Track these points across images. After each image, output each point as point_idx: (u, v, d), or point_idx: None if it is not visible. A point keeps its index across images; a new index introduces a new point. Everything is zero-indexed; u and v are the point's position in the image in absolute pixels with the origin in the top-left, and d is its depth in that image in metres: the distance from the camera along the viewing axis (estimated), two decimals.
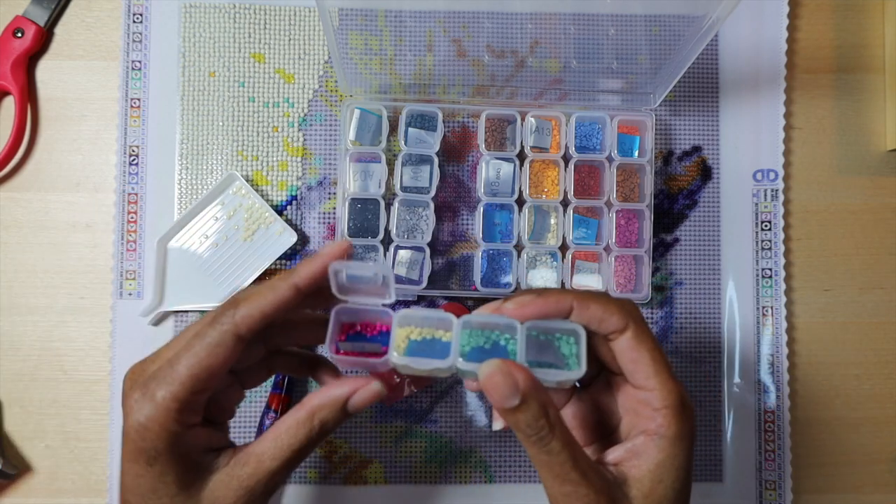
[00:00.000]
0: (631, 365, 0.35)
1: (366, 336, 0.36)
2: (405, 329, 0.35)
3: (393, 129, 0.55)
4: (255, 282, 0.54)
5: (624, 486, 0.34)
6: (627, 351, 0.35)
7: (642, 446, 0.35)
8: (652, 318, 0.57)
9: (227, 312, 0.34)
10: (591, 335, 0.36)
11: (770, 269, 0.57)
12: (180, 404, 0.33)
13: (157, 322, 0.55)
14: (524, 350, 0.34)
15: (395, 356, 0.35)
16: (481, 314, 0.35)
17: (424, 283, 0.54)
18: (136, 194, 0.55)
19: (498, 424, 0.40)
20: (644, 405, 0.35)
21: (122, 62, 0.56)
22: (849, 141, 0.59)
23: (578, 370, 0.34)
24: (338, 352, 0.36)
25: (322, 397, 0.35)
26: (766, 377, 0.56)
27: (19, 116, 0.55)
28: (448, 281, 0.56)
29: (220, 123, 0.56)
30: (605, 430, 0.39)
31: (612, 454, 0.36)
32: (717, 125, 0.58)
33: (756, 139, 0.58)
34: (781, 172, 0.57)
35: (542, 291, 0.35)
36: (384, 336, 0.36)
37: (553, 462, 0.33)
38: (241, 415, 0.54)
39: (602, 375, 0.39)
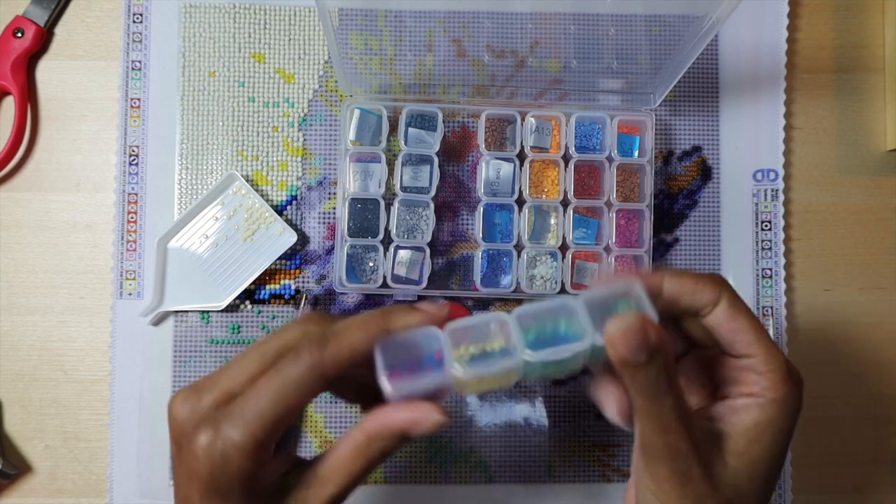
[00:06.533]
0: (730, 335, 0.34)
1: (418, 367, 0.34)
2: (457, 350, 0.33)
3: (393, 129, 0.55)
4: (256, 281, 0.54)
5: (720, 442, 0.34)
6: (725, 322, 0.34)
7: (743, 406, 0.34)
8: None
9: (312, 348, 0.32)
10: (678, 315, 0.35)
11: (770, 269, 0.57)
12: (259, 445, 0.32)
13: (157, 322, 0.55)
14: (590, 323, 0.33)
15: (459, 370, 0.32)
16: (533, 305, 0.34)
17: (424, 283, 0.54)
18: (136, 194, 0.55)
19: (616, 418, 0.36)
20: (747, 371, 0.35)
21: (122, 62, 0.56)
22: (849, 141, 0.59)
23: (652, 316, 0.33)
24: (392, 377, 0.33)
25: (380, 425, 0.33)
26: None
27: (19, 116, 0.55)
28: (448, 281, 0.56)
29: (220, 123, 0.56)
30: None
31: (712, 410, 0.35)
32: (717, 125, 0.58)
33: (756, 139, 0.58)
34: (781, 172, 0.57)
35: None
36: (434, 361, 0.33)
37: (662, 414, 0.32)
38: None
39: (690, 353, 0.38)
